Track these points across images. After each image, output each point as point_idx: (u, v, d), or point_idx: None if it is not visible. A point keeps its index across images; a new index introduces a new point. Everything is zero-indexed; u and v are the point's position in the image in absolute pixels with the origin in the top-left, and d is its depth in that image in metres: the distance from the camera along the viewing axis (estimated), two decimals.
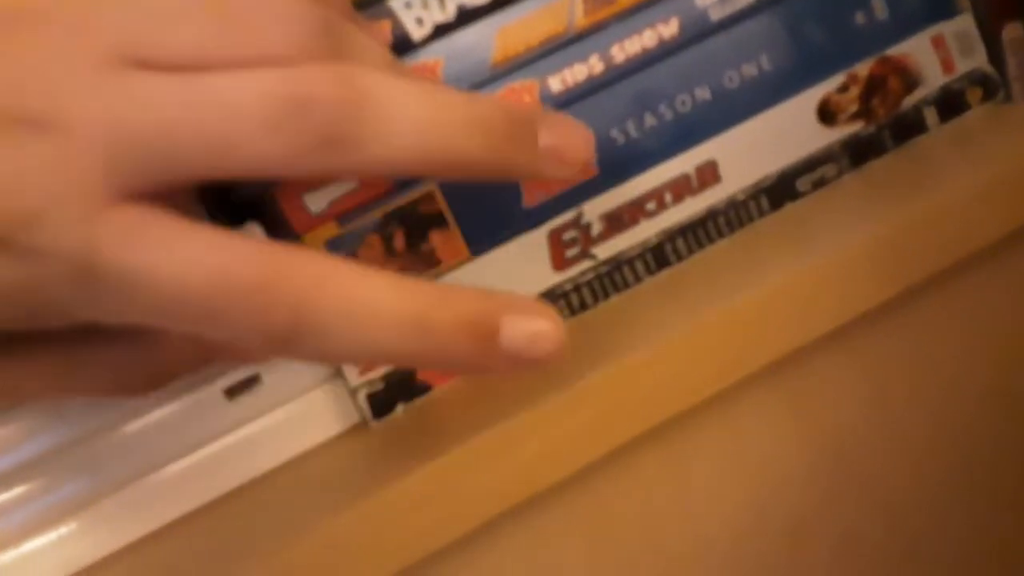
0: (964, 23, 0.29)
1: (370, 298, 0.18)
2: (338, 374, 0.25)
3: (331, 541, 0.20)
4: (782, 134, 0.28)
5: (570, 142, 0.21)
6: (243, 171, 0.17)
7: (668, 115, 0.27)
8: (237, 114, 0.17)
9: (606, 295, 0.27)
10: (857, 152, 0.28)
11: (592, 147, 0.21)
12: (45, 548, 0.23)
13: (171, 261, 0.17)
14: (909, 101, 0.29)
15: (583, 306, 0.27)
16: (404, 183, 0.25)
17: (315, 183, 0.25)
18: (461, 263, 0.26)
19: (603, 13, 0.26)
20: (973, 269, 0.25)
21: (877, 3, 0.28)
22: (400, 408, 0.25)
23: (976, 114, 0.29)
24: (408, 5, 0.25)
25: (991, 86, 0.29)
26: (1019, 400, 0.26)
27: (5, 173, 0.16)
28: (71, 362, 0.20)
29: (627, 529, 0.23)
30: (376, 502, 0.21)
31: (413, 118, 0.18)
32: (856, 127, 0.28)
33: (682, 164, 0.27)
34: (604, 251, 0.27)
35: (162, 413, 0.24)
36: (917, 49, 0.29)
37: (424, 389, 0.25)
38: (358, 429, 0.25)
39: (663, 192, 0.27)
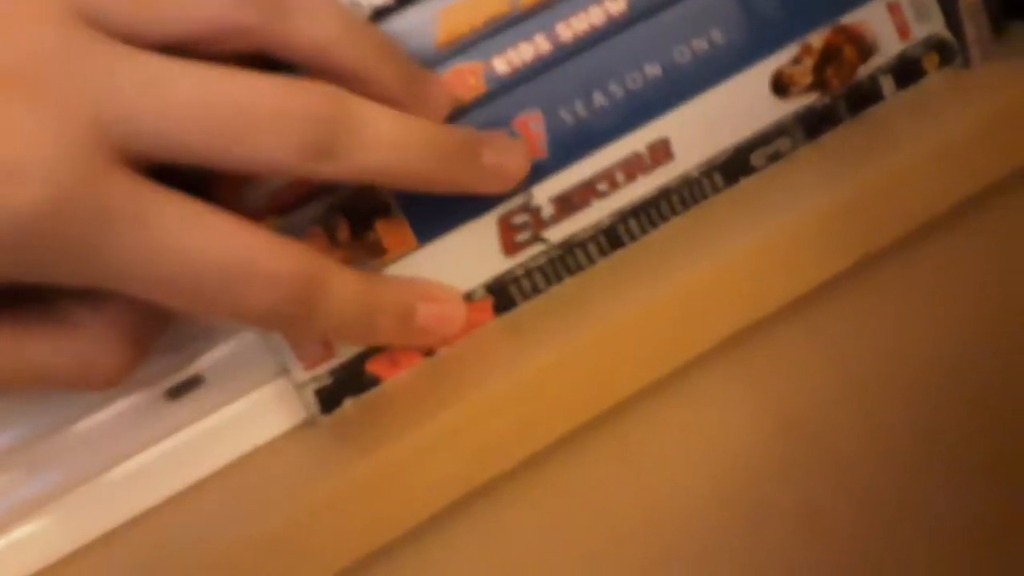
0: None
1: None
2: (284, 371, 0.25)
3: (276, 536, 0.20)
4: (735, 109, 0.27)
5: (509, 161, 0.24)
6: (240, 167, 0.20)
7: (618, 93, 0.26)
8: (250, 118, 0.20)
9: (559, 278, 0.26)
10: (812, 124, 0.28)
11: (529, 162, 0.25)
12: None
13: (188, 241, 0.19)
14: (864, 70, 0.28)
15: (535, 290, 0.26)
16: None
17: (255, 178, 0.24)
18: (408, 252, 0.25)
19: None
20: (931, 235, 0.25)
21: None
22: (348, 402, 0.25)
23: (933, 80, 0.28)
24: None
25: (948, 52, 0.29)
26: (979, 368, 0.26)
27: None
28: (34, 338, 0.20)
29: (582, 513, 0.23)
30: (322, 495, 0.20)
31: (385, 138, 0.21)
32: (810, 99, 0.28)
33: (634, 142, 0.27)
34: (556, 234, 0.26)
35: (103, 416, 0.23)
36: (872, 16, 0.28)
37: (374, 382, 0.25)
38: (306, 426, 0.25)
39: (615, 172, 0.26)
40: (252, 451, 0.24)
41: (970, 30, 0.29)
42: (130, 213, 0.18)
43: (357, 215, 0.25)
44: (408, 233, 0.25)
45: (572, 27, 0.26)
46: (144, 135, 0.19)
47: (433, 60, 0.25)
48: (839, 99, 0.28)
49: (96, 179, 0.18)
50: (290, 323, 0.21)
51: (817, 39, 0.28)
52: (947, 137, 0.24)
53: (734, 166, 0.27)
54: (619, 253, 0.27)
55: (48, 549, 0.22)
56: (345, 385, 0.25)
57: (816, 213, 0.23)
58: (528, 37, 0.26)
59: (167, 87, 0.19)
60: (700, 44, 0.27)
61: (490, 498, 0.22)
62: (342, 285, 0.21)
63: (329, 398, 0.25)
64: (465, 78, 0.25)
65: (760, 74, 0.27)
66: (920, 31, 0.29)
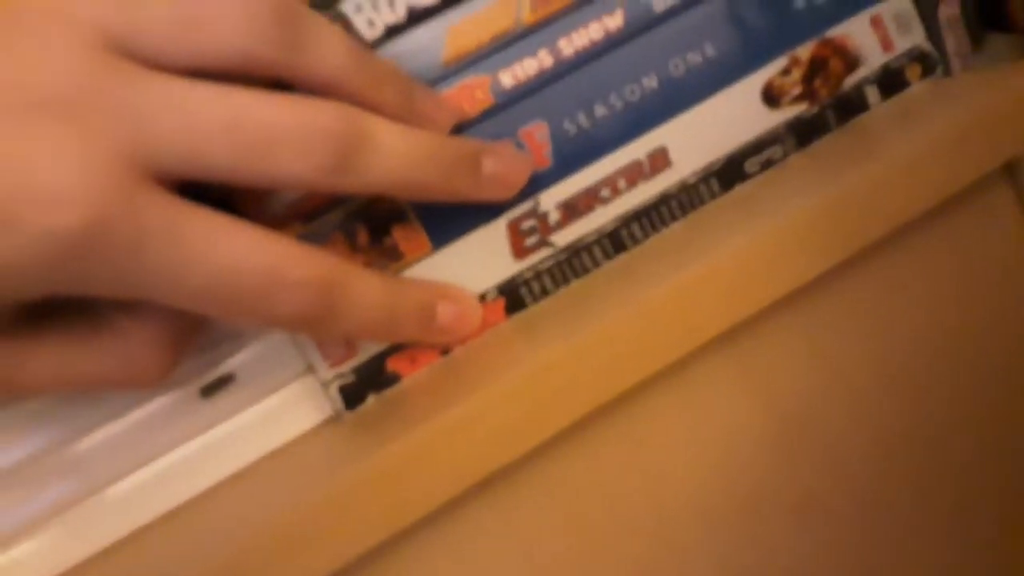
0: (901, 2, 0.30)
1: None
2: (310, 369, 0.26)
3: (306, 521, 0.21)
4: (729, 118, 0.29)
5: (508, 170, 0.25)
6: (264, 182, 0.21)
7: (618, 104, 0.28)
8: (274, 137, 0.21)
9: (566, 281, 0.28)
10: (802, 132, 0.29)
11: (529, 170, 0.26)
12: (28, 551, 0.23)
13: (219, 254, 0.20)
14: (851, 81, 0.30)
15: (544, 292, 0.28)
16: None
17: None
18: (423, 256, 0.27)
19: (549, 8, 0.27)
20: (915, 235, 0.26)
21: None
22: (371, 399, 0.26)
23: (916, 90, 0.30)
24: (359, 8, 0.26)
25: (930, 63, 0.30)
26: (962, 360, 0.27)
27: (19, 155, 0.18)
28: (82, 346, 0.21)
29: (589, 497, 0.24)
30: (347, 482, 0.21)
31: (392, 152, 0.22)
32: (800, 108, 0.29)
33: (634, 151, 0.28)
34: (562, 238, 0.28)
35: (141, 413, 0.25)
36: (856, 30, 0.30)
37: (394, 379, 0.26)
38: (331, 421, 0.26)
39: (616, 179, 0.28)
40: (281, 445, 0.26)
41: (950, 42, 0.30)
42: (164, 230, 0.20)
43: (375, 222, 0.26)
44: (423, 239, 0.27)
45: (573, 43, 0.28)
46: (174, 156, 0.20)
47: (442, 75, 0.27)
48: (827, 108, 0.30)
49: (131, 200, 0.19)
50: (317, 325, 0.22)
51: (805, 52, 0.29)
52: (930, 142, 0.26)
53: (729, 173, 0.29)
54: (622, 256, 0.28)
55: (94, 539, 0.24)
56: (367, 382, 0.26)
57: (806, 215, 0.25)
58: (532, 52, 0.27)
59: (195, 110, 0.20)
60: (694, 57, 0.28)
61: (503, 484, 0.24)
62: (365, 287, 0.23)
63: (353, 394, 0.26)
64: (473, 92, 0.27)
65: (752, 85, 0.29)
66: (903, 43, 0.30)
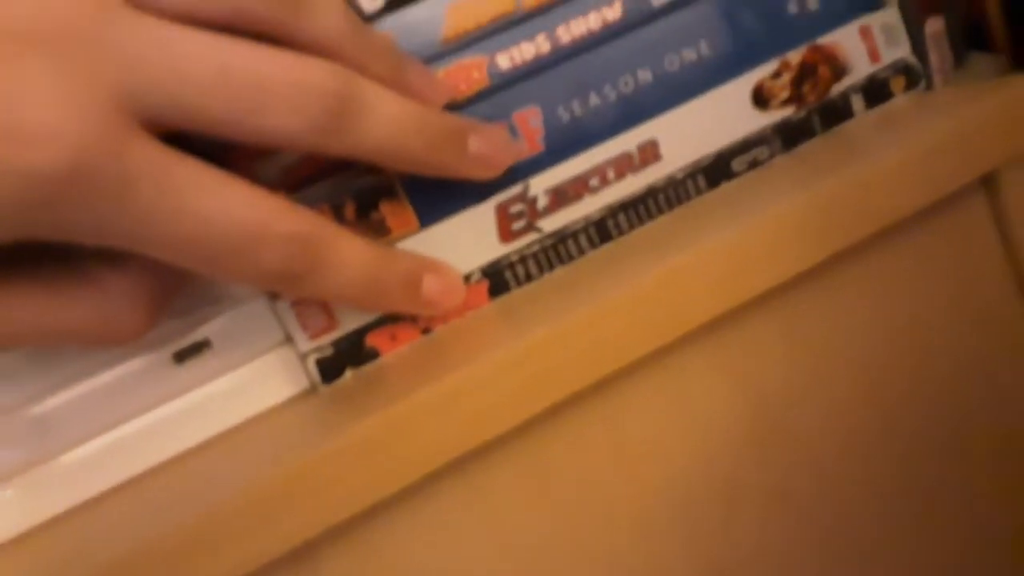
0: (890, 16, 0.31)
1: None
2: (288, 340, 0.26)
3: (276, 491, 0.21)
4: (719, 116, 0.29)
5: (494, 151, 0.25)
6: (254, 136, 0.21)
7: (612, 95, 0.28)
8: (267, 88, 0.20)
9: (551, 266, 0.28)
10: (788, 135, 0.30)
11: (514, 156, 0.26)
12: None
13: (205, 203, 0.20)
14: (837, 88, 0.30)
15: (528, 277, 0.28)
16: None
17: (268, 152, 0.25)
18: (410, 233, 0.26)
19: None
20: (893, 238, 0.27)
21: None
22: (349, 373, 0.26)
23: (900, 101, 0.31)
24: None
25: (914, 76, 0.31)
26: (938, 357, 0.28)
27: (3, 89, 0.18)
28: (60, 296, 0.20)
29: (565, 481, 0.24)
30: (321, 453, 0.21)
31: (384, 118, 0.22)
32: (788, 112, 0.30)
33: (625, 142, 0.28)
34: (549, 224, 0.28)
35: (111, 376, 0.24)
36: (846, 39, 0.30)
37: (373, 355, 0.26)
38: (307, 394, 0.26)
39: (606, 169, 0.28)
40: (255, 415, 0.25)
41: (934, 57, 0.31)
42: (150, 175, 0.19)
43: (363, 196, 0.26)
44: (411, 215, 0.26)
45: (571, 30, 0.28)
46: (164, 101, 0.20)
47: (440, 52, 0.26)
48: (814, 113, 0.30)
49: (117, 142, 0.19)
50: (299, 282, 0.22)
51: (795, 57, 0.30)
52: (910, 151, 0.26)
53: (716, 170, 0.29)
54: (608, 245, 0.28)
55: (55, 501, 0.23)
56: (346, 356, 0.26)
57: (789, 214, 0.25)
58: (530, 37, 0.27)
59: (188, 55, 0.20)
60: (689, 54, 0.29)
61: (480, 462, 0.23)
62: (351, 248, 0.22)
63: (330, 368, 0.26)
64: (469, 72, 0.27)
65: (743, 86, 0.29)
66: (889, 55, 0.31)
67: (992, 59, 0.31)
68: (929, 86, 0.31)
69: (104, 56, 0.19)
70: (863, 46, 0.31)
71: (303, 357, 0.25)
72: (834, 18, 0.30)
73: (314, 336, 0.25)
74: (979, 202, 0.28)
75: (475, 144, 0.25)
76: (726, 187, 0.29)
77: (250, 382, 0.25)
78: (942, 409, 0.28)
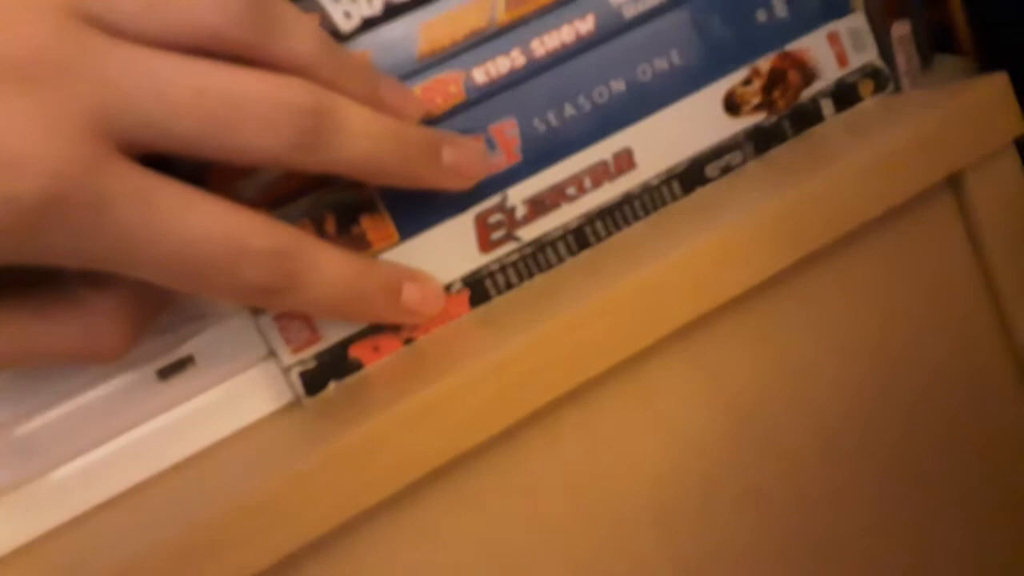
0: (857, 21, 0.31)
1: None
2: (271, 354, 0.26)
3: (261, 504, 0.21)
4: (692, 124, 0.30)
5: (469, 162, 0.26)
6: (231, 156, 0.21)
7: (586, 106, 0.29)
8: (242, 108, 0.21)
9: (530, 275, 0.28)
10: (760, 140, 0.31)
11: (487, 166, 0.27)
12: None
13: (184, 223, 0.20)
14: (807, 93, 0.31)
15: (508, 286, 0.28)
16: None
17: (247, 171, 0.26)
18: (391, 246, 0.27)
19: (523, 9, 0.28)
20: (864, 239, 0.27)
21: (777, 2, 0.31)
22: (332, 386, 0.26)
23: (868, 105, 0.31)
24: None
25: (882, 79, 0.32)
26: (910, 359, 0.28)
27: None
28: (44, 318, 0.21)
29: (546, 486, 0.25)
30: (306, 464, 0.21)
31: (359, 134, 0.23)
32: (759, 117, 0.30)
33: (600, 151, 0.29)
34: (528, 233, 0.28)
35: (96, 394, 0.24)
36: (814, 45, 0.31)
37: (356, 367, 0.26)
38: (291, 407, 0.26)
39: (582, 178, 0.29)
40: (239, 430, 0.25)
41: (901, 60, 0.32)
42: (128, 197, 0.19)
43: (343, 210, 0.26)
44: (391, 228, 0.27)
45: (545, 44, 0.28)
46: (140, 123, 0.20)
47: (416, 69, 0.27)
48: (784, 118, 0.31)
49: (96, 167, 0.19)
50: (280, 297, 0.22)
51: (765, 63, 0.30)
52: (879, 153, 0.27)
53: (690, 176, 0.30)
54: (586, 252, 0.29)
55: (43, 519, 0.23)
56: (329, 369, 0.26)
57: (762, 218, 0.26)
58: (505, 51, 0.28)
59: (163, 78, 0.20)
60: (661, 64, 0.29)
61: (463, 470, 0.24)
62: (330, 261, 0.23)
63: (314, 381, 0.26)
64: (446, 87, 0.27)
65: (714, 93, 0.30)
66: (857, 60, 0.32)
67: (958, 61, 0.32)
68: (897, 89, 0.32)
69: (79, 82, 0.19)
70: (831, 51, 0.31)
71: (286, 371, 0.26)
72: (802, 25, 0.31)
73: (297, 349, 0.26)
74: (946, 202, 0.28)
75: (449, 155, 0.25)
76: (700, 193, 0.30)
77: (234, 397, 0.25)
78: (914, 407, 0.29)
